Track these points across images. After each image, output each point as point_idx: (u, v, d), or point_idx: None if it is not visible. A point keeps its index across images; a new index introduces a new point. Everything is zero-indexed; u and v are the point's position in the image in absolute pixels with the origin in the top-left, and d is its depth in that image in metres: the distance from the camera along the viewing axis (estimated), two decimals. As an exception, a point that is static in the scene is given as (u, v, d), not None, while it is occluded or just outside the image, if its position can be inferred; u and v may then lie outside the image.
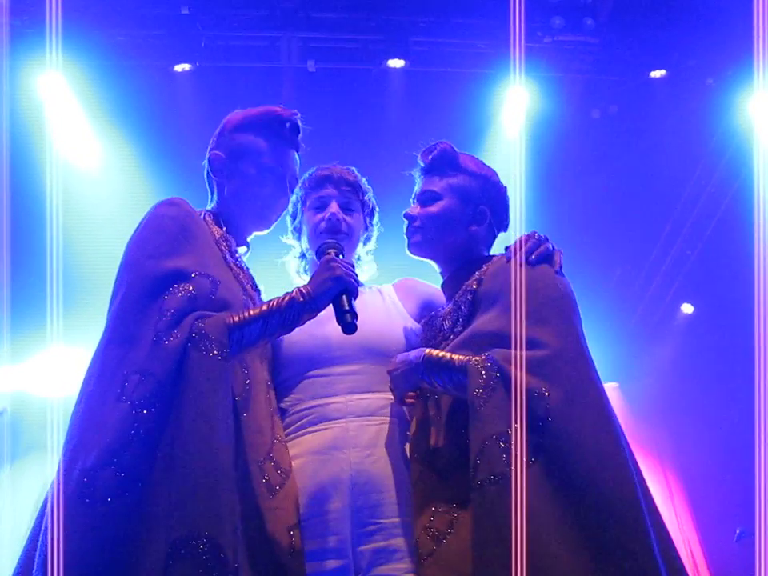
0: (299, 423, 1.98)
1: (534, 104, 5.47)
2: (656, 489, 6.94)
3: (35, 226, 3.84)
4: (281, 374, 2.05)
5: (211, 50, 5.26)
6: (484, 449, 1.64)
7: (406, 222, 2.13)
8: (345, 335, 1.87)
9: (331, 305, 1.83)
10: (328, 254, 1.92)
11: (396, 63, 5.42)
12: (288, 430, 1.97)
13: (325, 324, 1.95)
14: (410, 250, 2.14)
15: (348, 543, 1.83)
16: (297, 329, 1.86)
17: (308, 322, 1.85)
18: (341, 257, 1.93)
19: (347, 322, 1.79)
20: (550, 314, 1.79)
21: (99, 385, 1.65)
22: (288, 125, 2.09)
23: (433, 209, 2.07)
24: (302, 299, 1.78)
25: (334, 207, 2.18)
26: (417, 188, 2.16)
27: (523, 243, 1.95)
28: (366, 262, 2.33)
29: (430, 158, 2.13)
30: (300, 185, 2.23)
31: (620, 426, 1.72)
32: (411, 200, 2.17)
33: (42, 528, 1.54)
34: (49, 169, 4.25)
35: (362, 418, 1.95)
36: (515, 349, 1.72)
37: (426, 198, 2.10)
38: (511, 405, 1.66)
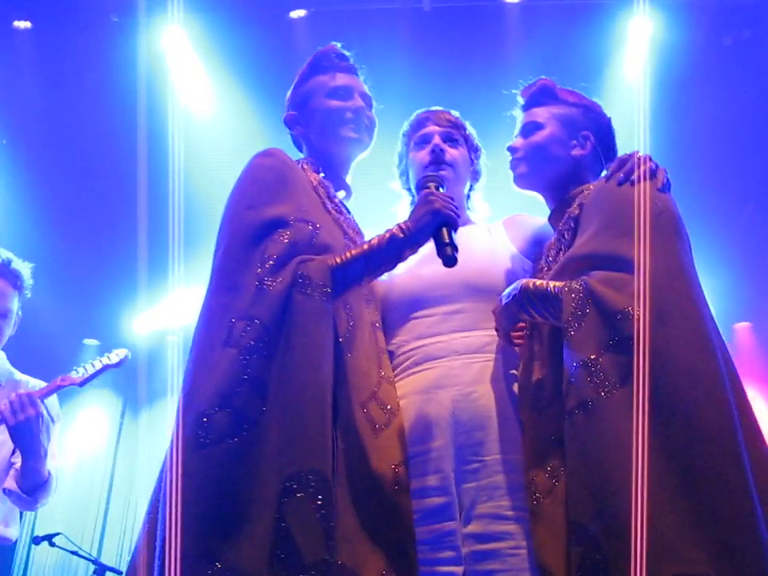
0: (405, 364, 1.97)
1: (658, 34, 5.21)
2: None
3: (157, 172, 3.98)
4: (387, 316, 2.05)
5: (326, -6, 5.28)
6: (573, 376, 1.60)
7: (510, 155, 2.11)
8: (447, 274, 1.85)
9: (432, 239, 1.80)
10: (428, 187, 1.88)
11: (513, -2, 5.28)
12: (395, 371, 1.97)
13: (427, 264, 1.94)
14: (516, 183, 2.11)
15: (451, 481, 1.81)
16: (401, 270, 1.87)
17: (411, 263, 1.85)
18: (441, 190, 1.88)
19: (447, 254, 1.74)
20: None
21: (207, 332, 1.70)
22: (332, 54, 2.18)
23: (536, 138, 2.06)
24: (402, 235, 1.78)
25: (437, 139, 2.20)
26: (519, 123, 2.14)
27: (623, 163, 1.88)
28: (476, 201, 2.33)
29: (530, 93, 2.13)
30: (403, 131, 2.31)
31: (722, 349, 1.63)
32: (514, 136, 2.15)
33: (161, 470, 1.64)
34: (171, 117, 4.39)
35: (465, 356, 1.93)
36: (637, 273, 1.63)
37: (528, 129, 2.08)
38: (602, 328, 1.61)
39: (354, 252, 1.78)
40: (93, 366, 3.23)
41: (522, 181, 2.10)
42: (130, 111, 4.87)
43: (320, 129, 2.12)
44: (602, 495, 1.50)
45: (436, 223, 1.78)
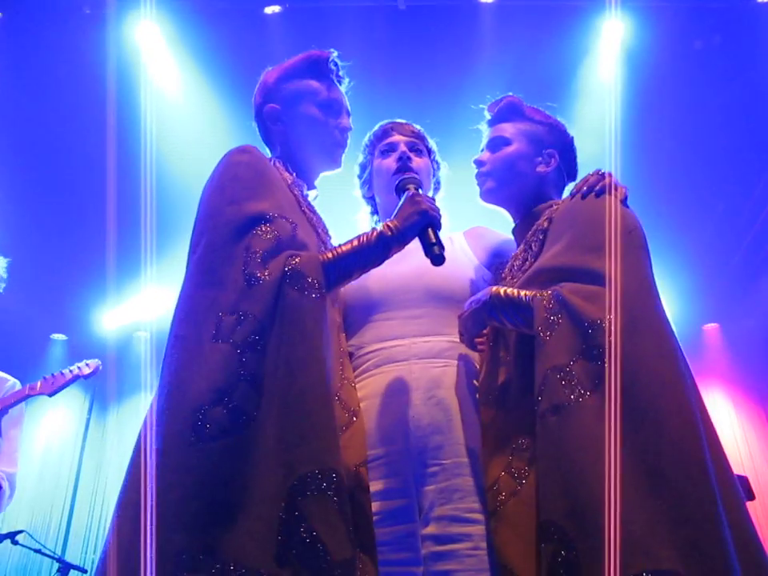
0: (364, 366, 1.99)
1: (630, 37, 5.27)
2: (756, 429, 6.81)
3: (126, 166, 3.96)
4: (347, 317, 2.07)
5: (301, -10, 5.27)
6: (545, 380, 1.62)
7: (476, 168, 2.15)
8: (409, 279, 1.95)
9: (417, 239, 1.83)
10: (408, 189, 1.93)
11: (487, -3, 5.30)
12: (355, 373, 1.99)
13: (390, 268, 1.97)
14: (482, 198, 2.15)
15: (411, 484, 1.82)
16: (363, 274, 1.87)
17: (374, 268, 1.87)
18: (420, 191, 1.92)
19: (435, 254, 1.78)
20: (615, 248, 1.75)
21: (193, 326, 1.65)
22: (330, 63, 2.15)
23: (503, 153, 2.10)
24: (390, 233, 1.80)
25: (403, 147, 2.26)
26: (485, 137, 2.18)
27: (590, 179, 1.94)
28: None
29: (497, 108, 2.17)
30: (367, 139, 2.35)
31: (684, 360, 1.68)
32: (480, 150, 2.18)
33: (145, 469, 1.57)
34: (143, 112, 4.35)
35: (424, 360, 1.95)
36: (608, 287, 1.68)
37: (496, 144, 2.12)
38: (574, 337, 1.64)
39: (343, 248, 1.79)
40: (63, 375, 3.19)
41: (489, 196, 2.14)
42: (100, 105, 4.83)
43: (304, 137, 2.10)
44: (574, 494, 1.51)
45: (423, 223, 1.81)
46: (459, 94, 4.97)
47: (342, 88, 2.18)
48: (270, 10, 5.32)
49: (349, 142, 2.17)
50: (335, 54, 2.17)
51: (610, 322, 1.63)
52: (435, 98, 5.00)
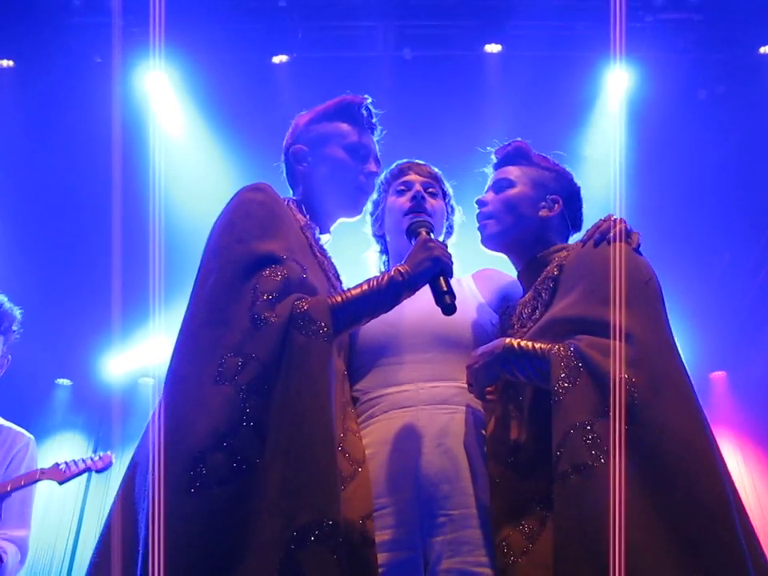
0: (370, 411, 1.93)
1: (635, 87, 5.33)
2: (765, 478, 6.72)
3: (133, 212, 3.97)
4: (353, 362, 2.02)
5: (308, 40, 5.34)
6: (566, 439, 1.56)
7: (478, 209, 2.12)
8: (417, 323, 1.93)
9: (428, 285, 1.80)
10: (419, 233, 1.90)
11: (493, 48, 5.37)
12: (360, 419, 1.93)
13: (397, 312, 1.88)
14: (483, 243, 2.12)
15: (417, 535, 1.76)
16: (373, 319, 1.83)
17: (383, 314, 1.82)
18: (432, 235, 1.90)
19: (446, 303, 1.75)
20: (633, 300, 1.71)
21: (195, 366, 1.60)
22: (363, 109, 2.12)
23: (506, 195, 2.08)
24: (401, 278, 1.76)
25: (418, 187, 2.21)
26: (490, 179, 2.17)
27: (602, 227, 1.91)
28: None
29: (504, 152, 2.16)
30: (381, 179, 2.27)
31: (705, 415, 1.64)
32: (484, 191, 2.16)
33: (132, 512, 1.55)
34: (152, 161, 4.39)
35: (432, 406, 1.90)
36: (614, 339, 1.64)
37: (500, 185, 2.10)
38: (595, 394, 1.59)
39: (353, 292, 1.75)
40: (76, 465, 3.24)
41: (490, 241, 2.11)
42: (109, 152, 4.88)
43: (326, 179, 2.06)
44: (600, 561, 1.45)
45: (435, 270, 1.78)
46: (464, 143, 5.01)
47: (374, 136, 2.15)
48: (277, 59, 5.40)
49: None
50: (369, 100, 2.14)
51: (629, 379, 1.58)
52: (440, 147, 5.03)
